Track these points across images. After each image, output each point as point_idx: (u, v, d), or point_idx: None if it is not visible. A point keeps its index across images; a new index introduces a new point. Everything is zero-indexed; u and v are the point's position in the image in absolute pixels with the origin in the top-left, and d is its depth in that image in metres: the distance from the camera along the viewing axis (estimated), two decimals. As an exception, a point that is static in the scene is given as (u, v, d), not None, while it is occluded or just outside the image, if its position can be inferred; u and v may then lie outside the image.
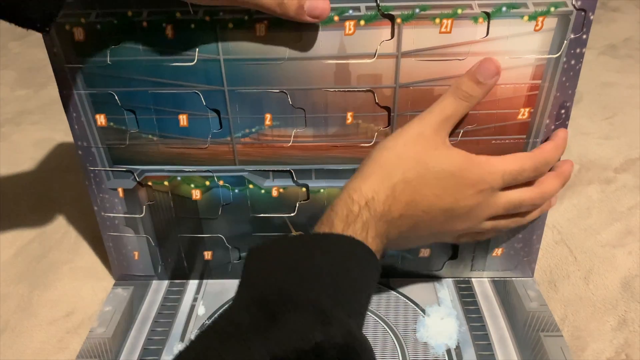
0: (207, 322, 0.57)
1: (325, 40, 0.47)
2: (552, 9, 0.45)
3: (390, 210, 0.43)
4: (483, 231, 0.51)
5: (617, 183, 0.76)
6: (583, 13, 0.45)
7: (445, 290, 0.60)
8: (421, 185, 0.44)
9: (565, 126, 0.50)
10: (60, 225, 0.72)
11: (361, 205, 0.42)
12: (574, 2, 0.45)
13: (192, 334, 0.55)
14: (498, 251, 0.58)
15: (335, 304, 0.36)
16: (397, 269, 0.60)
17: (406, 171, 0.44)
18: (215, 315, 0.36)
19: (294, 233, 0.58)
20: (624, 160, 0.81)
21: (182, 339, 0.55)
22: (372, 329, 0.55)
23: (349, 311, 0.37)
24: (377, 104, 0.50)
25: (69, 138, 0.54)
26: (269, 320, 0.33)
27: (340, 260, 0.39)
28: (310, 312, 0.34)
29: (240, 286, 0.38)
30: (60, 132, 0.94)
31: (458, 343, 0.53)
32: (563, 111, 0.50)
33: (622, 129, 0.89)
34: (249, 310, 0.34)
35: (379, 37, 0.47)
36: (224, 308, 0.36)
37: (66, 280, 0.63)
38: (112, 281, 0.63)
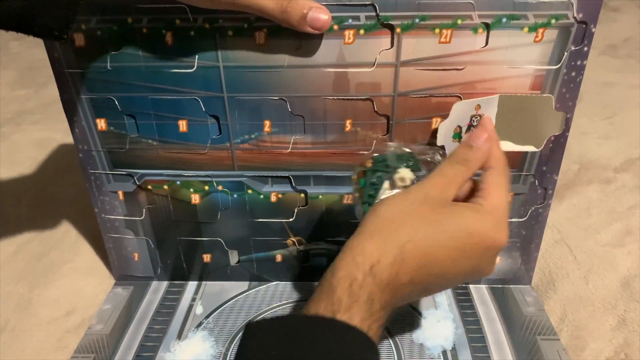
0: (204, 321, 0.57)
1: (325, 49, 0.47)
2: (553, 20, 0.45)
3: (398, 276, 0.38)
4: None
5: (617, 183, 0.76)
6: (584, 25, 0.45)
7: (443, 295, 0.60)
8: (433, 247, 0.39)
9: (565, 137, 0.50)
10: (60, 225, 0.72)
11: (365, 271, 0.38)
12: (575, 15, 0.44)
13: (189, 332, 0.56)
14: (496, 260, 0.58)
15: None
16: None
17: (415, 230, 0.39)
18: None
19: (292, 238, 0.58)
20: (624, 160, 0.81)
21: (179, 337, 0.56)
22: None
23: None
24: (375, 112, 0.50)
25: (69, 138, 0.54)
26: None
27: None
28: None
29: None
30: (61, 131, 0.94)
31: (454, 345, 0.54)
32: (563, 122, 0.50)
33: (622, 129, 0.89)
34: None
35: (379, 46, 0.47)
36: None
37: (66, 279, 0.64)
38: (112, 281, 0.64)
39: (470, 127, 0.49)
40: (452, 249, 0.39)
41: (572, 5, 0.44)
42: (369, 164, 0.47)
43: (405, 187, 0.45)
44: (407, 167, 0.46)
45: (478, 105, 0.48)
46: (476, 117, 0.49)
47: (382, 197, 0.45)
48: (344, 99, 0.49)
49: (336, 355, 0.35)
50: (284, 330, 0.36)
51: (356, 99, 0.49)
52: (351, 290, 0.37)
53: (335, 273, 0.39)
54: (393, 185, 0.46)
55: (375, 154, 0.48)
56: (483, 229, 0.40)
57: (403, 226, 0.40)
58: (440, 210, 0.41)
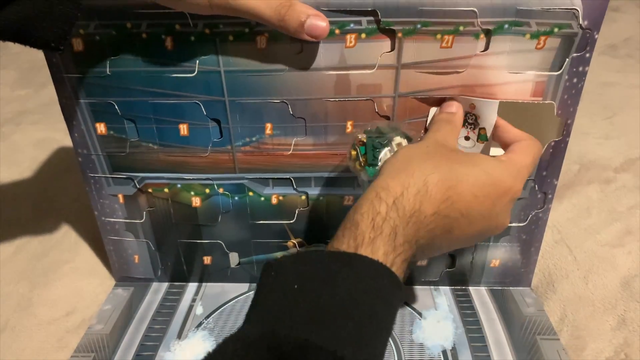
0: (204, 321, 0.58)
1: (326, 52, 0.47)
2: (556, 29, 0.44)
3: (422, 208, 0.39)
4: None
5: (617, 183, 0.76)
6: (588, 33, 0.45)
7: (443, 296, 0.60)
8: (457, 181, 0.40)
9: (566, 142, 0.51)
10: (60, 225, 0.72)
11: (388, 205, 0.38)
12: (580, 22, 0.44)
13: (189, 332, 0.56)
14: (496, 262, 0.59)
15: (355, 352, 0.32)
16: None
17: (438, 165, 0.41)
18: (222, 341, 0.34)
19: (292, 240, 0.58)
20: (624, 160, 0.80)
21: (179, 337, 0.56)
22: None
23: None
24: (377, 112, 0.49)
25: (70, 138, 0.54)
26: None
27: (365, 297, 0.34)
28: None
29: (252, 309, 0.35)
30: (60, 132, 0.94)
31: (454, 344, 0.54)
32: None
33: (622, 129, 0.89)
34: (259, 352, 0.31)
35: (380, 49, 0.46)
36: (231, 334, 0.33)
37: (66, 279, 0.64)
38: (112, 281, 0.64)
39: (465, 122, 0.49)
40: (473, 185, 0.40)
41: (577, 15, 0.44)
42: (363, 138, 0.49)
43: None
44: (399, 135, 0.49)
45: (473, 104, 0.48)
46: (471, 116, 0.48)
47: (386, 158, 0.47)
48: (345, 101, 0.49)
49: (357, 289, 0.35)
50: (305, 266, 0.36)
51: (357, 100, 0.49)
52: (374, 224, 0.38)
53: (357, 209, 0.39)
54: (392, 150, 0.48)
55: (366, 129, 0.50)
56: (499, 173, 0.42)
57: (425, 162, 0.41)
58: (457, 152, 0.44)
